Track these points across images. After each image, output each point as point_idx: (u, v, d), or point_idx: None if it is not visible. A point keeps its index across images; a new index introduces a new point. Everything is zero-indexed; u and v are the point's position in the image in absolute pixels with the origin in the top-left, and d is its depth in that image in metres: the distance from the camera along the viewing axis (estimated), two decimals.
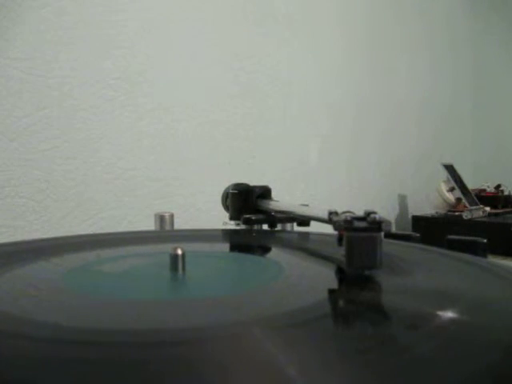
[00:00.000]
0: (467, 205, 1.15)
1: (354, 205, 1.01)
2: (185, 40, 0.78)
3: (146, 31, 0.72)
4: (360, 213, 0.26)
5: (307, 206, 0.43)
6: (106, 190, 0.68)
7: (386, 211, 1.22)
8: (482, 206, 1.18)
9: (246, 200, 0.49)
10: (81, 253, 0.35)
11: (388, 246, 0.31)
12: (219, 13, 0.83)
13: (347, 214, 0.27)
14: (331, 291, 0.25)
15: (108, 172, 0.68)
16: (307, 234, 0.44)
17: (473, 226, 1.09)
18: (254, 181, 0.52)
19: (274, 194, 0.51)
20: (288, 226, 0.50)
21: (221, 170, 0.82)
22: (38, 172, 0.61)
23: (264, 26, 0.91)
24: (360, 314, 0.21)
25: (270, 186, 0.51)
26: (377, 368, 0.15)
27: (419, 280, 0.26)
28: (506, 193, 1.29)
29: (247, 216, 0.47)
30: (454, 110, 1.52)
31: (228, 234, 0.46)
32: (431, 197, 1.23)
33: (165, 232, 0.49)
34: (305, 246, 0.40)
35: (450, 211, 1.19)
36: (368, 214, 0.25)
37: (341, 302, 0.23)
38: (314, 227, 0.43)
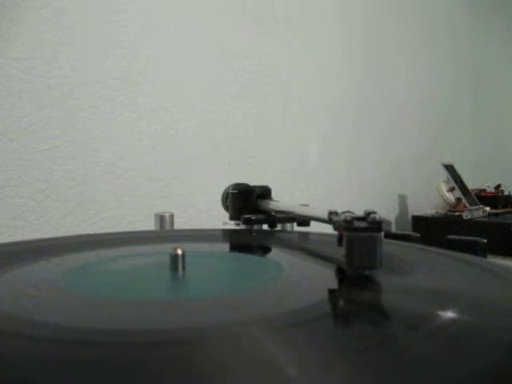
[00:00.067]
0: (467, 205, 1.15)
1: (354, 205, 1.01)
2: (185, 40, 0.78)
3: (146, 31, 0.72)
4: (360, 213, 0.26)
5: (307, 206, 0.43)
6: (106, 189, 0.68)
7: (386, 211, 1.22)
8: (482, 206, 1.18)
9: (246, 200, 0.49)
10: (81, 253, 0.35)
11: (388, 246, 0.31)
12: (219, 13, 0.83)
13: (347, 214, 0.27)
14: (331, 291, 0.25)
15: (108, 172, 0.68)
16: (307, 233, 0.44)
17: (473, 226, 1.09)
18: (254, 181, 0.52)
19: (274, 194, 0.51)
20: (288, 226, 0.50)
21: (221, 170, 0.82)
22: (37, 172, 0.61)
23: (264, 26, 0.91)
24: (360, 314, 0.21)
25: (270, 185, 0.51)
26: (377, 368, 0.15)
27: (419, 280, 0.26)
28: (506, 193, 1.29)
29: (247, 216, 0.47)
30: (453, 110, 1.52)
31: (228, 234, 0.46)
32: (431, 197, 1.23)
33: (165, 232, 0.49)
34: (305, 246, 0.40)
35: (450, 211, 1.19)
36: (368, 213, 0.25)
37: (341, 302, 0.23)
38: (314, 227, 0.43)
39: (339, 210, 0.30)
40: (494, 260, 0.30)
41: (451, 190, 1.19)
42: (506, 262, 0.29)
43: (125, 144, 0.70)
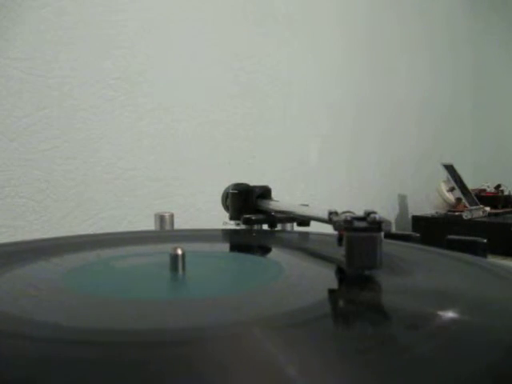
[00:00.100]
0: (467, 205, 1.15)
1: (354, 205, 1.01)
2: (185, 40, 0.78)
3: (146, 31, 0.72)
4: (360, 213, 0.26)
5: (307, 206, 0.43)
6: (106, 189, 0.68)
7: (386, 211, 1.22)
8: (482, 206, 1.18)
9: (246, 200, 0.49)
10: (81, 253, 0.35)
11: (388, 246, 0.31)
12: (219, 13, 0.83)
13: (347, 214, 0.27)
14: (331, 291, 0.25)
15: (108, 172, 0.68)
16: (307, 233, 0.44)
17: (473, 226, 1.09)
18: (254, 181, 0.52)
19: (274, 194, 0.51)
20: (288, 226, 0.50)
21: (221, 170, 0.82)
22: (37, 172, 0.61)
23: (264, 26, 0.91)
24: (360, 314, 0.21)
25: (270, 186, 0.51)
26: (377, 368, 0.15)
27: (419, 280, 0.26)
28: (506, 193, 1.29)
29: (247, 216, 0.47)
30: (453, 110, 1.52)
31: (228, 234, 0.46)
32: (431, 197, 1.23)
33: (165, 232, 0.49)
34: (305, 246, 0.40)
35: (450, 211, 1.19)
36: (368, 213, 0.25)
37: (341, 302, 0.23)
38: (314, 227, 0.43)
39: (339, 210, 0.30)
40: (493, 260, 0.30)
41: (451, 189, 1.19)
42: (506, 262, 0.29)
43: (125, 144, 0.70)
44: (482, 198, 1.25)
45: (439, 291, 0.23)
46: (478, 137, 1.61)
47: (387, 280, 0.25)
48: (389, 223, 0.25)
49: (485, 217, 1.15)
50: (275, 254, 0.37)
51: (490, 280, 0.26)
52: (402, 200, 1.29)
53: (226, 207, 0.51)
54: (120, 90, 0.69)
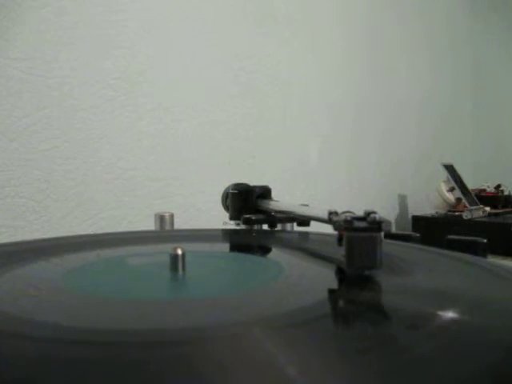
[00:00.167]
0: (467, 205, 1.15)
1: (354, 205, 1.01)
2: (185, 40, 0.78)
3: (146, 31, 0.72)
4: (360, 213, 0.26)
5: (307, 206, 0.43)
6: (106, 189, 0.68)
7: (386, 211, 1.22)
8: (482, 206, 1.18)
9: (246, 200, 0.49)
10: (81, 253, 0.35)
11: (388, 246, 0.31)
12: (219, 13, 0.83)
13: (347, 214, 0.27)
14: (331, 291, 0.25)
15: (108, 172, 0.68)
16: (307, 233, 0.44)
17: (473, 226, 1.09)
18: (254, 181, 0.52)
19: (274, 194, 0.51)
20: (288, 226, 0.50)
21: (221, 170, 0.82)
22: (37, 172, 0.61)
23: (264, 26, 0.91)
24: (360, 314, 0.21)
25: (270, 186, 0.51)
26: (377, 368, 0.15)
27: (419, 280, 0.26)
28: (506, 193, 1.29)
29: (247, 216, 0.47)
30: (454, 109, 1.52)
31: (228, 234, 0.46)
32: (431, 197, 1.23)
33: (165, 232, 0.49)
34: (305, 246, 0.40)
35: (450, 211, 1.19)
36: (368, 213, 0.25)
37: (341, 302, 0.23)
38: (314, 227, 0.43)
39: (339, 210, 0.30)
40: (494, 260, 0.30)
41: (451, 189, 1.19)
42: (506, 262, 0.29)
43: (125, 144, 0.70)
44: (482, 197, 1.25)
45: (439, 291, 0.23)
46: (478, 137, 1.61)
47: (387, 280, 0.25)
48: (389, 223, 0.25)
49: (485, 217, 1.15)
50: (275, 254, 0.37)
51: (490, 280, 0.26)
52: (402, 200, 1.29)
53: (226, 207, 0.51)
54: (120, 90, 0.69)
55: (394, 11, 1.27)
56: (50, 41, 0.62)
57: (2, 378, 0.14)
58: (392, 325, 0.19)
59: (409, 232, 0.41)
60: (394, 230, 0.98)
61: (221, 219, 0.51)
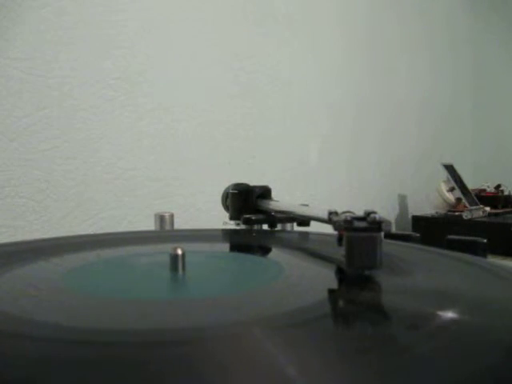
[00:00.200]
0: (467, 205, 1.15)
1: (354, 205, 1.01)
2: (185, 40, 0.78)
3: (146, 31, 0.72)
4: (360, 213, 0.26)
5: (307, 206, 0.43)
6: (106, 189, 0.68)
7: (386, 211, 1.22)
8: (482, 206, 1.18)
9: (246, 200, 0.49)
10: (81, 253, 0.35)
11: (388, 246, 0.31)
12: (219, 13, 0.83)
13: (347, 214, 0.27)
14: (331, 291, 0.25)
15: (108, 172, 0.68)
16: (307, 233, 0.44)
17: (473, 226, 1.09)
18: (254, 181, 0.52)
19: (274, 194, 0.51)
20: (288, 226, 0.50)
21: (221, 170, 0.82)
22: (37, 172, 0.61)
23: (264, 26, 0.91)
24: (360, 314, 0.21)
25: (270, 186, 0.51)
26: (377, 368, 0.15)
27: (419, 280, 0.26)
28: (506, 193, 1.29)
29: (247, 216, 0.47)
30: (453, 110, 1.52)
31: (228, 234, 0.46)
32: (431, 197, 1.23)
33: (165, 232, 0.49)
34: (305, 246, 0.40)
35: (450, 211, 1.19)
36: (368, 213, 0.25)
37: (341, 302, 0.23)
38: (314, 227, 0.43)
39: (339, 210, 0.30)
40: (493, 260, 0.30)
41: (451, 190, 1.19)
42: (506, 262, 0.29)
43: (125, 144, 0.70)
44: (482, 197, 1.25)
45: (439, 291, 0.23)
46: (478, 137, 1.61)
47: (387, 280, 0.25)
48: (389, 223, 0.25)
49: (485, 217, 1.15)
50: (275, 254, 0.37)
51: (490, 280, 0.26)
52: (402, 200, 1.29)
53: (226, 207, 0.51)
54: (120, 90, 0.69)
55: (394, 11, 1.27)
56: (49, 41, 0.62)
57: (1, 378, 0.14)
58: (392, 325, 0.19)
59: (409, 232, 0.41)
60: (393, 229, 0.98)
61: (221, 219, 0.51)
